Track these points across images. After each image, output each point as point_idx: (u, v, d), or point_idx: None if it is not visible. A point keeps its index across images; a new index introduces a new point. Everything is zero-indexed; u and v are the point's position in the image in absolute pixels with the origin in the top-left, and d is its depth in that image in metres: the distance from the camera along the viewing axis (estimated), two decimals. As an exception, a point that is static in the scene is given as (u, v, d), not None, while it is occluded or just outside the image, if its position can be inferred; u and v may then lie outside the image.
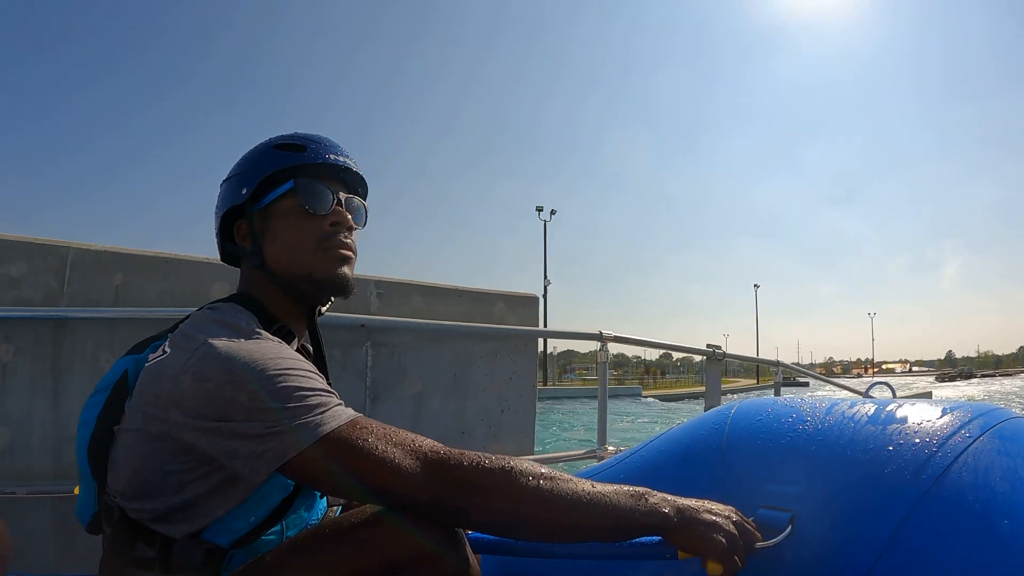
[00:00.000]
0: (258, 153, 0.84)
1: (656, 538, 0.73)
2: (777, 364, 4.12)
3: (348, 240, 0.84)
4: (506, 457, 0.68)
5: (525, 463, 0.68)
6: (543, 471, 0.68)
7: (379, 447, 0.65)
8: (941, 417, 0.86)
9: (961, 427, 0.83)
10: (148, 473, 0.70)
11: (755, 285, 70.16)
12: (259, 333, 0.73)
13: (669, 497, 0.73)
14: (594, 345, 2.51)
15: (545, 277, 37.21)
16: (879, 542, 0.75)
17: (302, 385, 0.67)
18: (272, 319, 0.81)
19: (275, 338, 0.74)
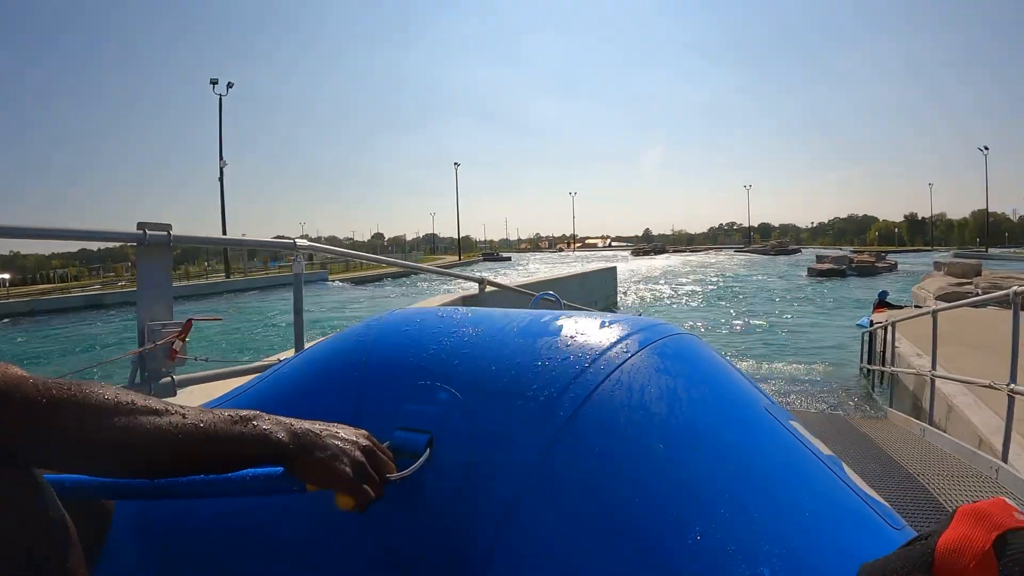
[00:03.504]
0: None
1: (279, 469, 0.64)
2: (240, 243, 3.90)
3: None
4: (75, 382, 0.57)
5: (94, 385, 0.58)
6: (118, 393, 0.58)
7: None
8: (599, 330, 0.81)
9: (619, 341, 0.78)
10: None
11: (455, 164, 73.51)
12: None
13: (285, 420, 0.65)
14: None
15: (221, 158, 33.60)
16: (524, 465, 0.69)
17: None
18: None
19: None
